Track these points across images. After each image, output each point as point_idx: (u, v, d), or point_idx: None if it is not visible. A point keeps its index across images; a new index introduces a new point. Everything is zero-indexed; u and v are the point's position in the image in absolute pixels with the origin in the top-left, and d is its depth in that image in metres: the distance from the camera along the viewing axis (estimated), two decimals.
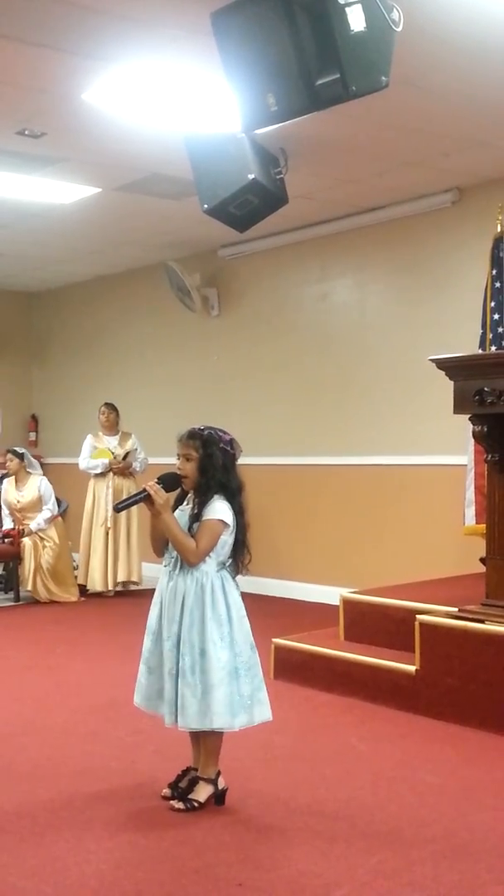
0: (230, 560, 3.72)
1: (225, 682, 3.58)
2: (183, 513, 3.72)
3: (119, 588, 8.95)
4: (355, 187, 7.32)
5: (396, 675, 5.11)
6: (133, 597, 8.86)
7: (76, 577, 9.00)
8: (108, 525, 8.86)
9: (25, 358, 11.95)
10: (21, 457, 8.89)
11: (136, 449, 9.07)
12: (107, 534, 8.89)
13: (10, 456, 8.88)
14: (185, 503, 3.76)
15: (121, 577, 8.90)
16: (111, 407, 9.20)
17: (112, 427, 9.18)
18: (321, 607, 7.69)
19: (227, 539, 3.68)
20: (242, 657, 3.65)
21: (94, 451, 9.07)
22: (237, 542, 3.71)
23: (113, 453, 9.02)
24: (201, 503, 3.65)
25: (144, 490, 3.66)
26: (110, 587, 8.89)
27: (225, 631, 3.62)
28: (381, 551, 7.88)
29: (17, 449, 9.07)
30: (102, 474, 9.01)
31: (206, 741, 3.71)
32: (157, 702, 3.72)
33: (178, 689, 3.59)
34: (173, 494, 3.76)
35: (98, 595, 8.88)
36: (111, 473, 8.99)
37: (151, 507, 3.65)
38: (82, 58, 4.91)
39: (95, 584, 8.88)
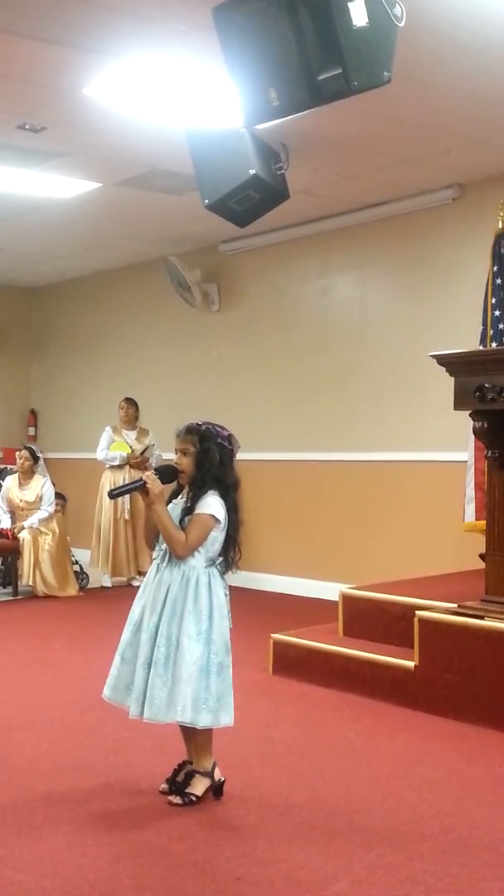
0: (220, 558, 3.72)
1: (194, 677, 3.55)
2: (176, 506, 3.72)
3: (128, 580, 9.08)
4: (356, 183, 7.31)
5: (395, 670, 5.11)
6: (132, 591, 8.85)
7: (82, 568, 9.05)
8: (126, 517, 8.92)
9: (25, 353, 11.94)
10: (36, 458, 8.96)
11: (154, 445, 9.14)
12: (125, 526, 8.98)
13: (26, 454, 8.91)
14: (179, 496, 3.76)
15: (145, 567, 8.99)
16: (131, 402, 9.28)
17: (131, 422, 9.27)
18: (320, 603, 7.69)
19: (217, 535, 3.67)
20: (218, 657, 3.62)
21: (111, 444, 9.13)
22: (228, 538, 3.70)
23: (131, 448, 9.08)
24: (195, 497, 3.65)
25: (141, 479, 3.67)
26: (134, 574, 9.05)
27: (203, 627, 3.60)
28: (381, 547, 7.88)
29: (33, 448, 9.13)
30: (119, 467, 9.07)
31: (195, 737, 3.70)
32: (124, 693, 3.69)
33: (149, 679, 3.58)
34: (169, 487, 3.76)
35: (98, 589, 8.92)
36: (128, 466, 9.06)
37: (146, 496, 3.66)
38: (83, 52, 4.91)
39: (122, 573, 9.06)
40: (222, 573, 3.73)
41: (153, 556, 3.79)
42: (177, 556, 3.65)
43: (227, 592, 3.73)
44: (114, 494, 3.95)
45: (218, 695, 3.61)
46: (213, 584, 3.68)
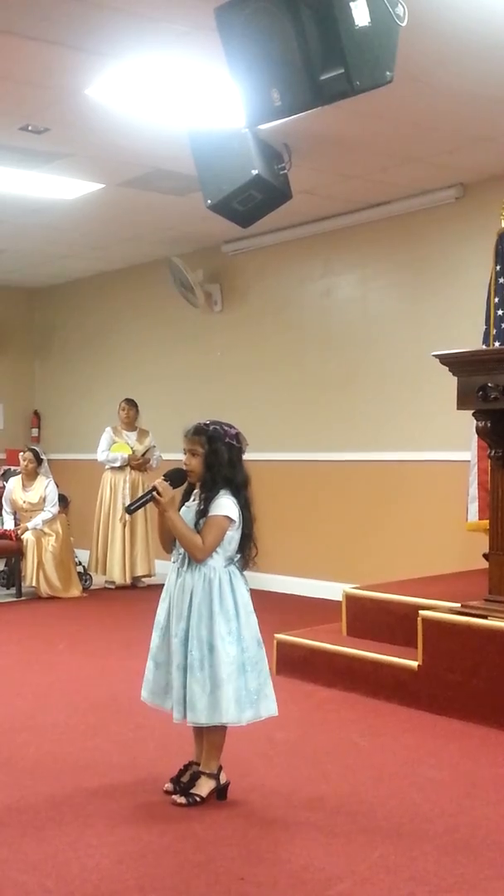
0: (238, 555, 3.73)
1: (234, 677, 3.59)
2: (189, 509, 3.73)
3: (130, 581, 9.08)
4: (359, 183, 7.31)
5: (399, 670, 5.11)
6: (136, 592, 8.89)
7: (85, 569, 9.06)
8: (126, 519, 8.94)
9: (28, 354, 11.94)
10: (40, 460, 8.97)
11: (155, 446, 9.15)
12: (124, 527, 8.98)
13: (29, 455, 8.91)
14: (191, 499, 3.76)
15: (139, 572, 9.01)
16: (131, 403, 9.30)
17: (131, 423, 9.30)
18: (324, 603, 7.69)
19: (233, 534, 3.68)
20: (249, 652, 3.65)
21: (112, 445, 9.13)
22: (244, 536, 3.71)
23: (132, 449, 9.08)
24: (207, 499, 3.66)
25: (154, 488, 3.67)
26: (128, 580, 9.03)
27: (233, 626, 3.63)
28: (385, 547, 7.88)
29: (36, 449, 9.14)
30: (120, 468, 9.09)
31: (210, 736, 3.71)
32: (163, 697, 3.73)
33: (187, 684, 3.60)
34: (180, 490, 3.77)
35: (101, 590, 8.93)
36: (129, 467, 9.09)
37: (157, 504, 3.67)
38: (85, 53, 4.91)
39: (114, 576, 9.01)
40: (241, 570, 3.74)
41: (172, 560, 3.79)
42: (196, 559, 3.65)
43: (248, 589, 3.75)
44: (131, 509, 3.93)
45: (257, 689, 3.65)
46: (235, 583, 3.69)
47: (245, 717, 3.63)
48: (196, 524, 3.66)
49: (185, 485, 3.77)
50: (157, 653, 3.77)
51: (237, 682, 3.60)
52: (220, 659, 3.58)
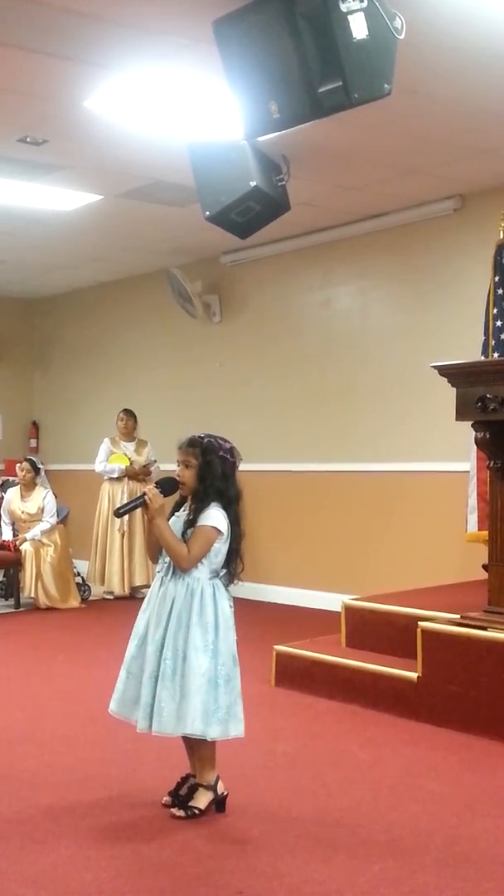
0: (223, 570, 3.72)
1: (203, 689, 3.55)
2: (178, 519, 3.73)
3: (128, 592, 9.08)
4: (357, 194, 7.33)
5: (398, 682, 5.10)
6: (134, 603, 8.84)
7: (83, 580, 9.05)
8: (124, 529, 8.93)
9: (27, 364, 11.95)
10: (37, 470, 8.96)
11: (155, 460, 9.19)
12: (122, 538, 8.97)
13: (27, 466, 8.91)
14: (182, 509, 3.76)
15: (138, 582, 8.99)
16: (129, 413, 9.31)
17: (129, 433, 9.31)
18: (323, 614, 7.67)
19: (220, 547, 3.67)
20: (224, 668, 3.62)
21: (110, 456, 9.15)
22: (231, 550, 3.70)
23: (130, 460, 9.09)
24: (197, 510, 3.66)
25: (143, 495, 3.67)
26: (127, 591, 9.03)
27: (210, 639, 3.60)
28: (384, 558, 7.87)
29: (34, 460, 9.14)
30: (118, 479, 9.09)
31: (199, 749, 3.70)
32: (131, 707, 3.68)
33: (157, 692, 3.57)
34: (172, 500, 3.76)
35: (100, 601, 8.92)
36: (126, 478, 9.11)
37: (147, 511, 3.67)
38: (84, 65, 4.92)
39: (114, 586, 9.01)
40: (226, 585, 3.73)
41: (157, 570, 3.78)
42: (181, 568, 3.65)
43: (232, 604, 3.73)
44: (120, 513, 3.94)
45: (227, 706, 3.61)
46: (218, 596, 3.68)
47: (211, 732, 3.58)
48: (184, 534, 3.66)
49: (178, 496, 3.77)
50: (131, 663, 3.74)
51: (206, 695, 3.56)
52: (192, 670, 3.56)
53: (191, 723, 3.54)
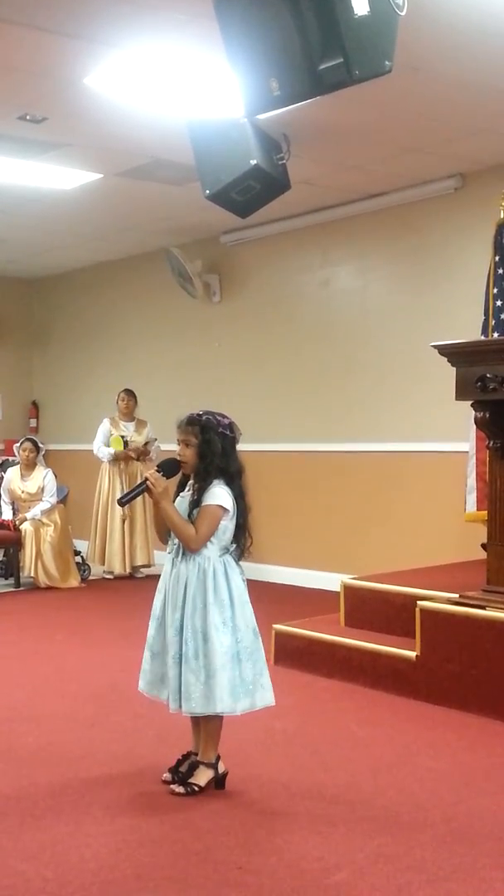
0: (233, 545, 3.73)
1: (227, 666, 3.59)
2: (183, 499, 3.73)
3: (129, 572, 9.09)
4: (358, 173, 7.30)
5: (397, 661, 5.12)
6: (134, 582, 8.90)
7: (83, 559, 9.07)
8: (126, 515, 8.96)
9: (26, 344, 11.92)
10: (38, 449, 8.97)
11: (155, 438, 9.18)
12: (123, 519, 8.98)
13: (28, 445, 8.92)
14: (186, 489, 3.76)
15: (139, 561, 9.01)
16: (130, 393, 9.31)
17: (130, 413, 9.33)
18: (322, 593, 7.70)
19: (227, 524, 3.68)
20: (245, 642, 3.66)
21: (108, 438, 9.17)
22: (238, 526, 3.72)
23: (126, 441, 9.12)
24: (200, 489, 3.66)
25: (145, 480, 3.67)
26: (128, 570, 9.05)
27: (227, 615, 3.63)
28: (383, 538, 7.88)
29: (35, 439, 9.15)
30: (115, 460, 9.08)
31: (207, 725, 3.72)
32: (160, 687, 3.74)
33: (182, 674, 3.61)
34: (175, 480, 3.77)
35: (99, 580, 8.95)
36: (124, 460, 9.11)
37: (151, 495, 3.67)
38: (84, 42, 4.89)
39: (115, 566, 9.02)
40: (237, 560, 3.75)
41: (167, 551, 3.79)
42: (189, 549, 3.66)
43: (244, 578, 3.76)
44: (123, 501, 3.95)
45: (252, 677, 3.66)
46: (230, 573, 3.69)
47: (240, 706, 3.64)
48: (190, 514, 3.67)
49: (180, 475, 3.78)
50: (152, 643, 3.78)
51: (231, 672, 3.60)
52: (214, 648, 3.58)
53: (220, 702, 3.58)
